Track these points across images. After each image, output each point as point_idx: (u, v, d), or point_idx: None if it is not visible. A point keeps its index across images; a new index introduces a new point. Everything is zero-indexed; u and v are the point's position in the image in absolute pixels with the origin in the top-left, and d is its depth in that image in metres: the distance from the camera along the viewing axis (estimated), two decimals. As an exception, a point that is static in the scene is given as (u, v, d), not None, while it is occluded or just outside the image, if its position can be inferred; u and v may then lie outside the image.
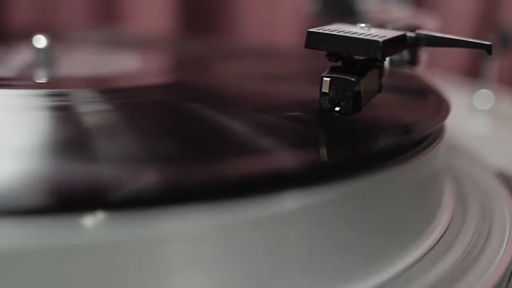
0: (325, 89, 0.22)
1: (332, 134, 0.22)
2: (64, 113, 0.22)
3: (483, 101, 0.45)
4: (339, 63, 0.22)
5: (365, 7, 0.41)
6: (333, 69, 0.22)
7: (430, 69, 0.31)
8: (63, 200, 0.14)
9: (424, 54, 0.27)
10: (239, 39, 0.65)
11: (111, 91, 0.27)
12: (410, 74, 0.30)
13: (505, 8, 0.65)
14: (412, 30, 0.23)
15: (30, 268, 0.14)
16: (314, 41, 0.21)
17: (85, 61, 0.35)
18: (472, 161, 0.30)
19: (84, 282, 0.14)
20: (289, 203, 0.16)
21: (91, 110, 0.23)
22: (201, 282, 0.15)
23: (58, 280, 0.14)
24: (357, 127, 0.21)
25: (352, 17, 0.38)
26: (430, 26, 0.30)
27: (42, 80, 0.32)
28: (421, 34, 0.23)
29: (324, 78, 0.22)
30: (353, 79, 0.21)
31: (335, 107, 0.22)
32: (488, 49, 0.22)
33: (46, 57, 0.32)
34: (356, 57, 0.22)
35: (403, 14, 0.38)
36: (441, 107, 0.25)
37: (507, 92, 0.50)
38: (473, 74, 0.59)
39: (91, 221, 0.14)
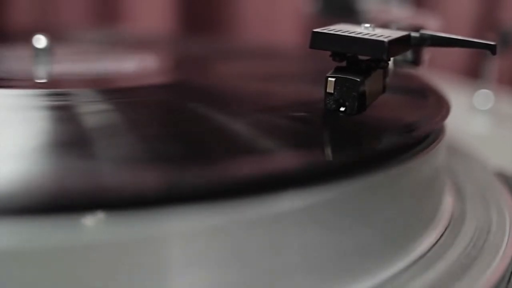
0: (330, 89, 0.21)
1: (330, 134, 0.22)
2: (64, 113, 0.22)
3: (483, 101, 0.45)
4: (344, 63, 0.22)
5: (365, 7, 0.41)
6: (337, 69, 0.22)
7: (430, 69, 0.31)
8: (63, 200, 0.14)
9: (427, 54, 0.27)
10: (239, 39, 0.65)
11: (111, 91, 0.27)
12: (410, 74, 0.30)
13: (505, 8, 0.65)
14: (416, 30, 0.23)
15: (29, 268, 0.14)
16: (318, 41, 0.21)
17: (84, 61, 0.35)
18: (472, 161, 0.30)
19: (84, 282, 0.14)
20: (290, 203, 0.16)
21: (91, 110, 0.23)
22: (201, 282, 0.15)
23: (58, 280, 0.14)
24: (356, 127, 0.21)
25: (352, 17, 0.38)
26: (432, 26, 0.30)
27: (42, 80, 0.32)
28: (425, 34, 0.23)
29: (329, 78, 0.21)
30: (358, 79, 0.21)
31: (340, 108, 0.22)
32: (492, 49, 0.22)
33: (46, 57, 0.32)
34: (360, 57, 0.22)
35: (403, 14, 0.38)
36: (441, 107, 0.25)
37: (507, 92, 0.50)
38: (473, 74, 0.59)
39: (91, 221, 0.14)
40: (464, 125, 0.40)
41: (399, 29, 0.24)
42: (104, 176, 0.16)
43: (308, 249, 0.17)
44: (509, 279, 0.20)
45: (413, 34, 0.23)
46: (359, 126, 0.21)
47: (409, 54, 0.27)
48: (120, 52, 0.39)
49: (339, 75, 0.21)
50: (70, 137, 0.19)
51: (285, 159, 0.18)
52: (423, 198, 0.22)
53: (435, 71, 0.47)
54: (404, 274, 0.18)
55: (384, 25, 0.25)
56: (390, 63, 0.24)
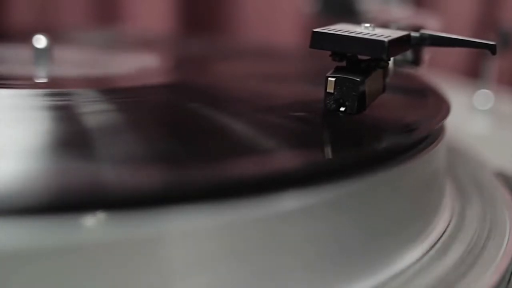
0: (330, 89, 0.21)
1: (330, 134, 0.22)
2: (64, 113, 0.22)
3: (483, 101, 0.45)
4: (344, 63, 0.22)
5: (365, 7, 0.41)
6: (337, 69, 0.22)
7: (430, 69, 0.31)
8: (63, 200, 0.14)
9: (427, 54, 0.27)
10: (239, 39, 0.65)
11: (111, 91, 0.27)
12: (410, 74, 0.30)
13: (505, 8, 0.65)
14: (416, 30, 0.23)
15: (29, 268, 0.14)
16: (319, 41, 0.21)
17: (84, 61, 0.35)
18: (472, 161, 0.30)
19: (84, 282, 0.14)
20: (290, 203, 0.16)
21: (91, 110, 0.23)
22: (201, 282, 0.15)
23: (58, 280, 0.14)
24: (356, 127, 0.21)
25: (352, 17, 0.38)
26: (432, 26, 0.30)
27: (42, 80, 0.32)
28: (425, 34, 0.23)
29: (329, 78, 0.21)
30: (358, 79, 0.21)
31: (340, 107, 0.22)
32: (492, 49, 0.22)
33: (46, 57, 0.32)
34: (360, 57, 0.22)
35: (403, 14, 0.38)
36: (441, 107, 0.25)
37: (507, 92, 0.50)
38: (473, 74, 0.59)
39: (91, 221, 0.14)
40: (464, 125, 0.40)
41: (399, 29, 0.24)
42: (104, 176, 0.16)
43: (307, 249, 0.17)
44: (509, 279, 0.20)
45: (413, 34, 0.23)
46: (359, 126, 0.21)
47: (409, 54, 0.27)
48: (120, 52, 0.39)
49: (339, 75, 0.21)
50: (70, 137, 0.19)
51: (285, 159, 0.18)
52: (423, 198, 0.22)
53: (435, 71, 0.47)
54: (404, 274, 0.18)
55: (384, 25, 0.25)
56: (390, 63, 0.24)
